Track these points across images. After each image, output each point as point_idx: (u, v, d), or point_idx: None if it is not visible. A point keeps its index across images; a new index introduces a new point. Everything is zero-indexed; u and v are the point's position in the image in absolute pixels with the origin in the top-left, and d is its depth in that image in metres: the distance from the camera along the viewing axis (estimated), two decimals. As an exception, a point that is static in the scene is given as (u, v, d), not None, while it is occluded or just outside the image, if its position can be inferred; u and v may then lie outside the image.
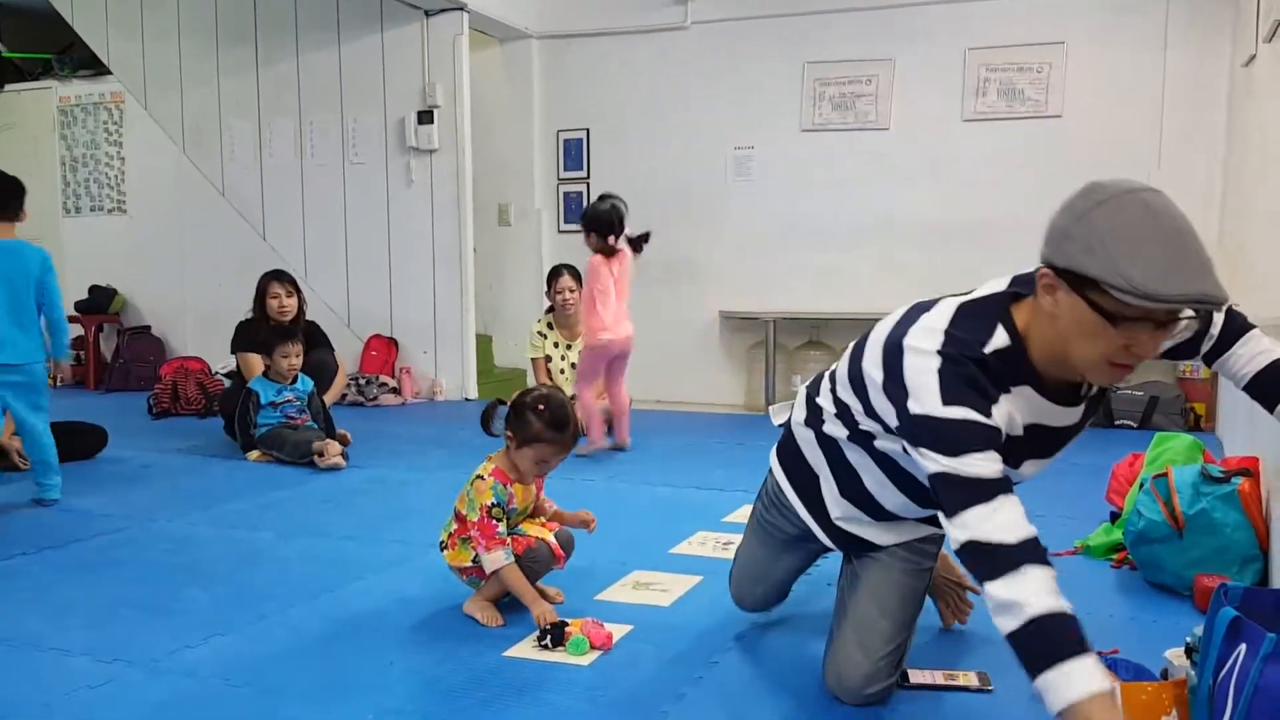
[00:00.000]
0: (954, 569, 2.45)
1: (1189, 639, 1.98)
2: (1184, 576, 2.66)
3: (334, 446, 4.61)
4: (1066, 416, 1.87)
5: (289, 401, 4.82)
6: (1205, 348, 1.96)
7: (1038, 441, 1.88)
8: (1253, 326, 1.97)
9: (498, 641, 2.37)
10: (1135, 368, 1.69)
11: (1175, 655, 2.05)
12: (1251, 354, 1.93)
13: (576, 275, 5.49)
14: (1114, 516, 3.20)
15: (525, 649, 2.33)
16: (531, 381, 5.70)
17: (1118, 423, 5.57)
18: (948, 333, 1.78)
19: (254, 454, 4.78)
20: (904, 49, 6.34)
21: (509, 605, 2.56)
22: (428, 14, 6.70)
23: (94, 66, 7.94)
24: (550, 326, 5.53)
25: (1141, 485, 2.90)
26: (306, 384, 4.90)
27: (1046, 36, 6.05)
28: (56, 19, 7.82)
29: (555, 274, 5.57)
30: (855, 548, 2.21)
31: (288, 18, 7.16)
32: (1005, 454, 1.74)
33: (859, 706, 2.04)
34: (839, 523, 2.18)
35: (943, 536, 2.18)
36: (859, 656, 2.05)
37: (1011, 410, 1.77)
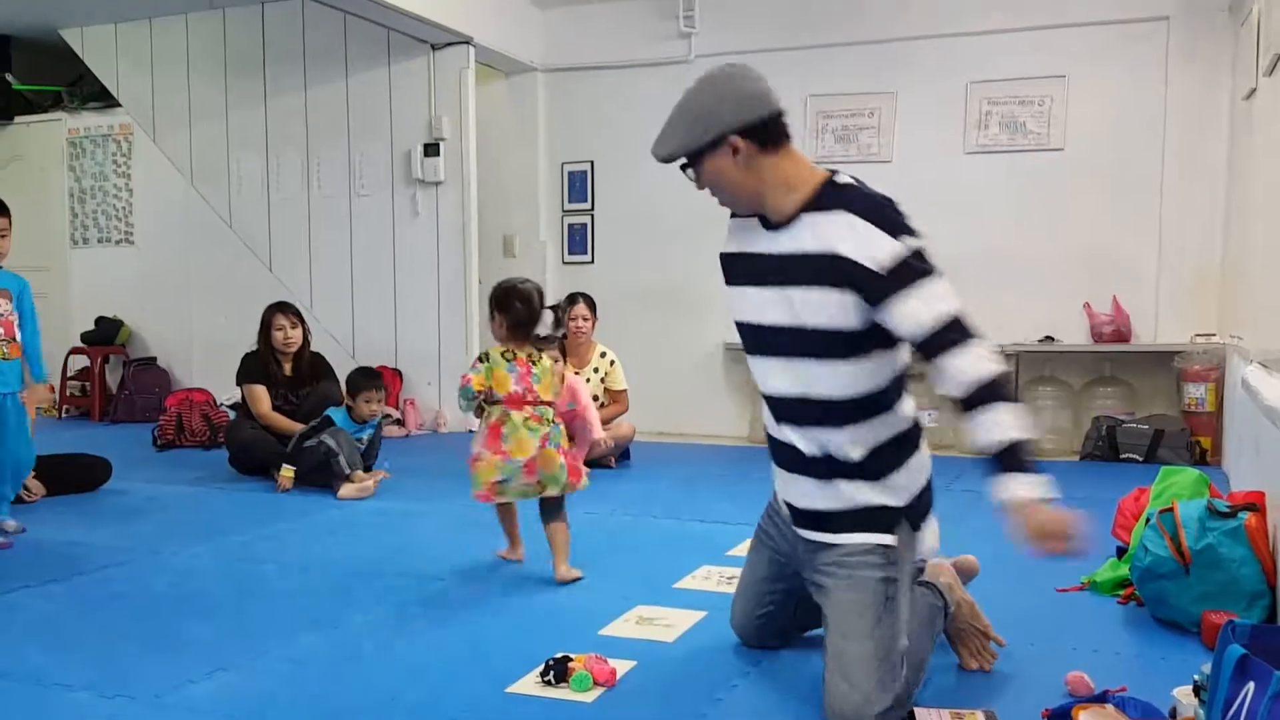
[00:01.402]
0: (980, 617, 2.42)
1: (1197, 677, 1.97)
2: (1191, 613, 2.64)
3: (359, 476, 4.63)
4: (762, 242, 2.21)
5: (360, 442, 4.85)
6: (913, 333, 2.02)
7: (743, 265, 2.27)
8: (978, 336, 2.00)
9: (500, 677, 2.36)
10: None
11: (1183, 693, 2.04)
12: (975, 359, 1.97)
13: (591, 304, 5.59)
14: (1120, 552, 3.18)
15: (528, 685, 2.32)
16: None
17: (1123, 456, 5.55)
18: None
19: (288, 472, 4.77)
20: (906, 82, 6.38)
21: (522, 615, 2.55)
22: (434, 48, 6.76)
23: (103, 99, 8.01)
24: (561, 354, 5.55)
25: (1147, 520, 2.89)
26: (374, 421, 4.96)
27: (1048, 70, 6.08)
28: (67, 52, 7.90)
29: (570, 301, 5.62)
30: (793, 518, 2.31)
31: (296, 52, 7.23)
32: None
33: None
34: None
35: (885, 549, 2.16)
36: (845, 687, 2.04)
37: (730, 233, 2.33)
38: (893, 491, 2.19)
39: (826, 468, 2.19)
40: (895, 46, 6.37)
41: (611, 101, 7.00)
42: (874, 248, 2.02)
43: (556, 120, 7.25)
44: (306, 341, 5.34)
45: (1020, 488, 1.92)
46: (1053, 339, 6.06)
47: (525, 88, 7.28)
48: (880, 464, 2.18)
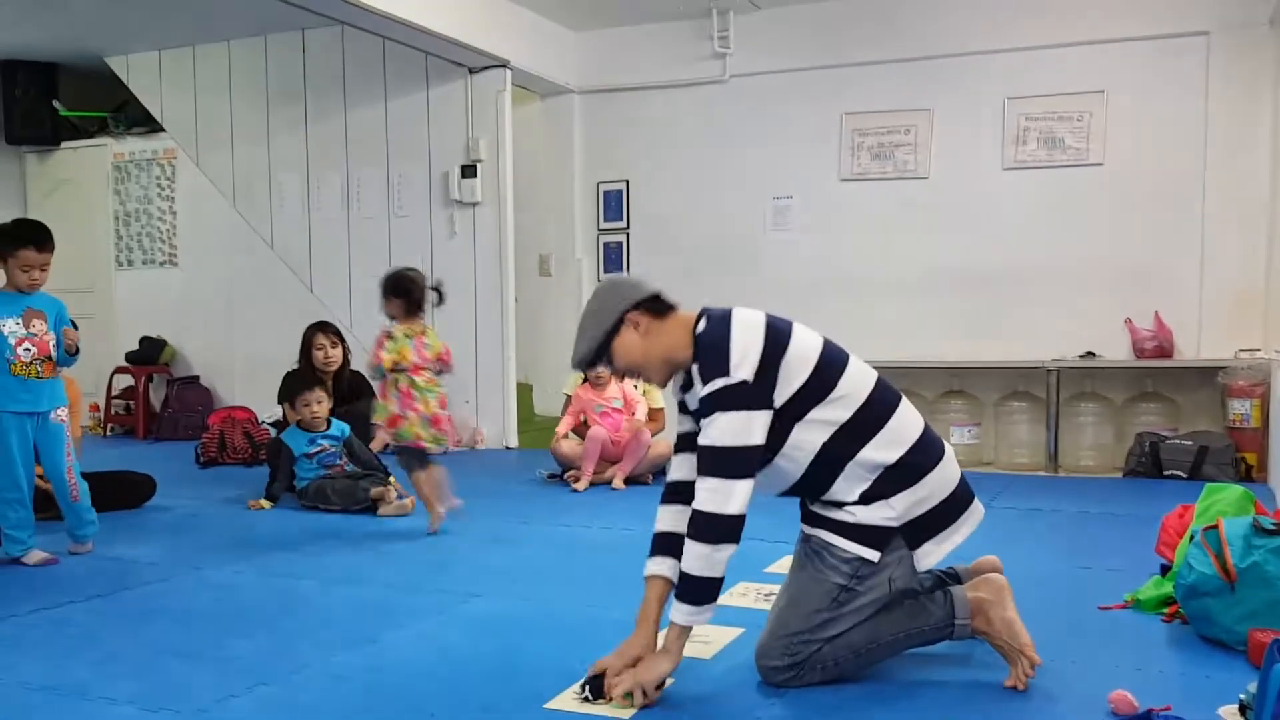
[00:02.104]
0: (1017, 635, 2.40)
1: (1243, 696, 1.94)
2: (1237, 631, 2.60)
3: (393, 493, 4.67)
4: (690, 400, 2.48)
5: (323, 450, 4.87)
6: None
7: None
8: (716, 476, 2.30)
9: (538, 693, 2.37)
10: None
11: (1229, 712, 2.01)
12: (700, 492, 2.33)
13: None
14: (1164, 569, 3.14)
15: (566, 701, 2.32)
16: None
17: (1167, 473, 5.47)
18: None
19: (264, 502, 4.82)
20: (942, 99, 6.37)
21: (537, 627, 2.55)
22: (471, 71, 6.84)
23: (148, 124, 8.17)
24: None
25: (1192, 538, 2.85)
26: (341, 429, 4.95)
27: (1086, 85, 6.05)
28: (112, 78, 8.08)
29: None
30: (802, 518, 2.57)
31: (336, 75, 7.34)
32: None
33: (767, 684, 2.40)
34: None
35: (863, 562, 2.38)
36: (767, 631, 2.45)
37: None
38: (887, 514, 2.38)
39: (824, 506, 2.47)
40: (931, 63, 6.36)
41: (647, 121, 7.04)
42: (697, 385, 2.37)
43: (592, 140, 7.30)
44: (346, 360, 5.40)
45: (674, 612, 2.33)
46: (1094, 355, 5.99)
47: (561, 109, 7.34)
48: (873, 495, 2.38)
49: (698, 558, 2.29)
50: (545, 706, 2.30)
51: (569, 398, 5.68)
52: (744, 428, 2.29)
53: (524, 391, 7.35)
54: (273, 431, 6.15)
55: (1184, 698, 2.23)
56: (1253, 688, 1.82)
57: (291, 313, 6.87)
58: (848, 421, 2.37)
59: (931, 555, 2.41)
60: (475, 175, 6.87)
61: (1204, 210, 5.86)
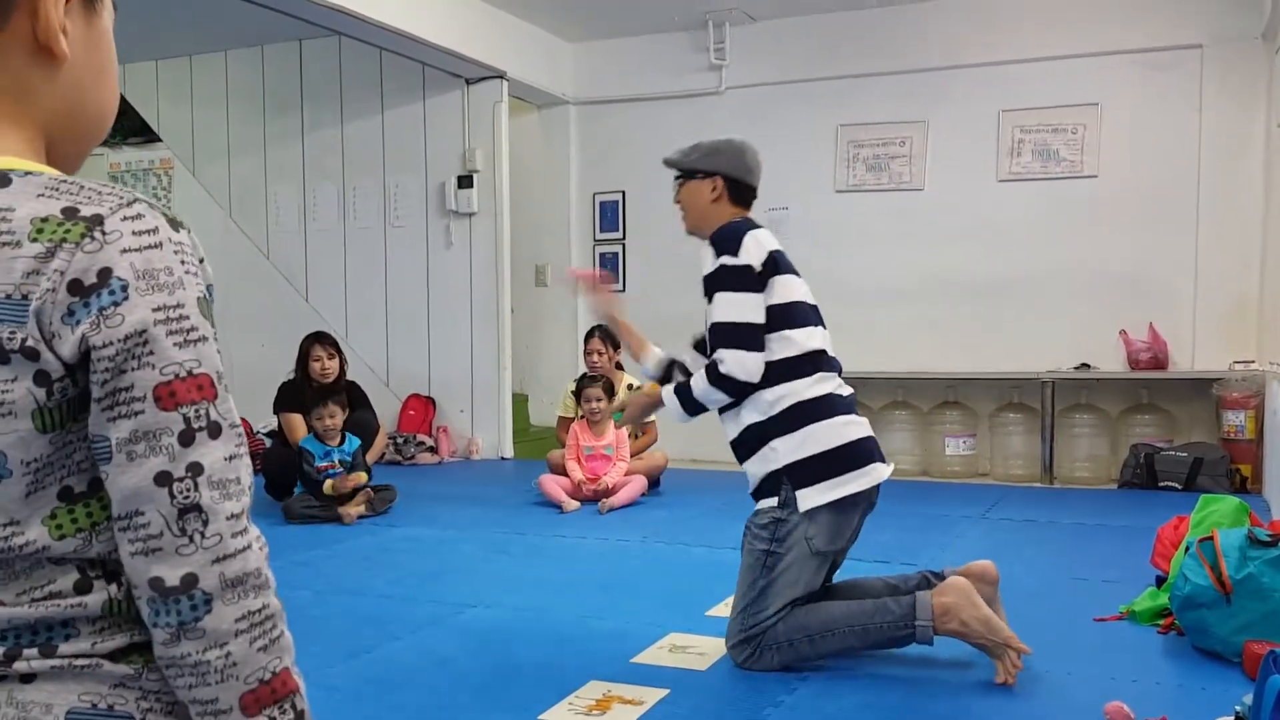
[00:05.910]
0: (997, 631, 2.41)
1: (1238, 707, 1.94)
2: (1232, 642, 2.60)
3: (351, 486, 4.72)
4: None
5: (332, 467, 4.87)
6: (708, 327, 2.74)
7: None
8: (721, 348, 2.64)
9: (533, 705, 2.37)
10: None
11: (1225, 724, 2.01)
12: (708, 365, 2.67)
13: (606, 336, 5.54)
14: (1160, 581, 3.14)
15: (560, 713, 2.32)
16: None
17: (1162, 484, 5.47)
18: None
19: (354, 507, 4.81)
20: (937, 111, 6.39)
21: (555, 665, 2.54)
22: (468, 82, 6.86)
23: (144, 134, 8.18)
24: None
25: (1187, 549, 2.85)
26: (353, 443, 4.96)
27: (1080, 98, 6.07)
28: (110, 89, 8.08)
29: (588, 335, 5.64)
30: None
31: (332, 86, 7.35)
32: None
33: (737, 667, 2.58)
34: None
35: (776, 522, 2.58)
36: (729, 619, 2.65)
37: None
38: (773, 458, 2.61)
39: (740, 446, 2.71)
40: (926, 76, 6.39)
41: (643, 132, 7.05)
42: (706, 263, 2.71)
43: (588, 151, 7.31)
44: (343, 371, 5.40)
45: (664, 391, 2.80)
46: (1089, 366, 6.01)
47: (557, 120, 7.36)
48: (760, 437, 2.63)
49: (700, 387, 2.67)
50: (540, 718, 2.30)
51: (561, 419, 5.64)
52: (748, 305, 2.61)
53: (520, 402, 7.35)
54: (268, 442, 6.14)
55: (1180, 709, 2.23)
56: (1248, 699, 1.83)
57: (287, 323, 6.86)
58: (777, 361, 2.63)
59: (812, 499, 2.56)
60: (472, 186, 6.88)
61: (1198, 222, 5.88)
